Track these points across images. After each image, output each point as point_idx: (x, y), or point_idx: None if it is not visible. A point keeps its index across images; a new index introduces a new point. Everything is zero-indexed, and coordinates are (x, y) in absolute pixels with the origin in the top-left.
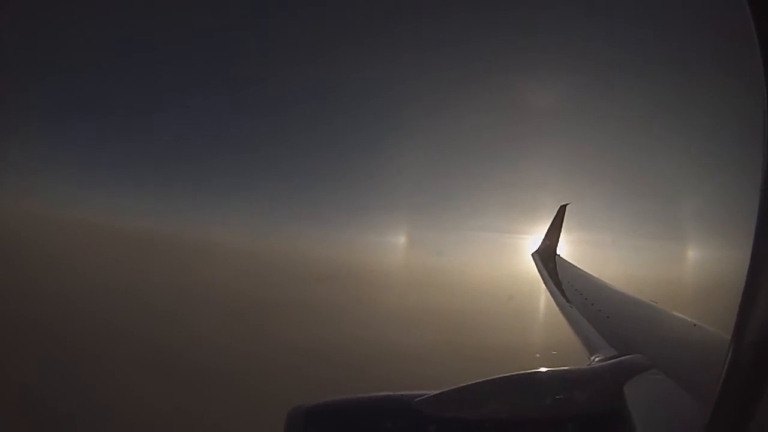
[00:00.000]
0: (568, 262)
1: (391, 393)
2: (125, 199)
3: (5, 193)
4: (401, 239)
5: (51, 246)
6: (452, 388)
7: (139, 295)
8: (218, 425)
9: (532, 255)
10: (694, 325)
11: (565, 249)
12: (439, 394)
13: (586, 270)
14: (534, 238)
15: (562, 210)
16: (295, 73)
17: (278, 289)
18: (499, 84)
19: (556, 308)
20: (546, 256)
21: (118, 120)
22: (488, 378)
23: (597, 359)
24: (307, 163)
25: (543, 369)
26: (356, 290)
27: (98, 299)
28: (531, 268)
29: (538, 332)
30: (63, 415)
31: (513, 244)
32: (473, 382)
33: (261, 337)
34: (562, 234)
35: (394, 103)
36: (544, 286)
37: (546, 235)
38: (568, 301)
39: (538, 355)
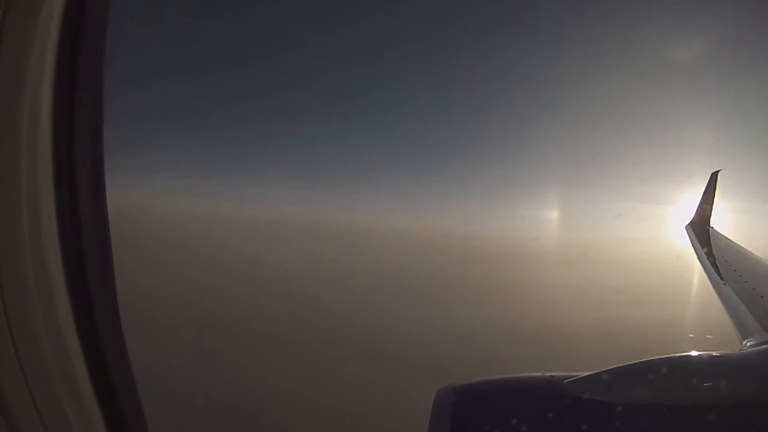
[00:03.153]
0: (722, 235)
1: (539, 374)
2: (279, 190)
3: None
4: (553, 213)
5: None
6: (602, 370)
7: (317, 285)
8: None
9: (686, 227)
10: None
11: (719, 220)
12: (589, 376)
13: (740, 243)
14: (687, 208)
15: (714, 177)
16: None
17: (443, 269)
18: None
19: (710, 285)
20: (699, 229)
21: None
22: (636, 361)
23: (749, 344)
24: (456, 139)
25: (694, 353)
26: (512, 267)
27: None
28: (684, 241)
29: (693, 311)
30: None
31: (666, 215)
32: (623, 364)
33: (437, 317)
34: (715, 203)
35: (546, 76)
36: (697, 261)
37: (698, 205)
38: (721, 278)
39: (692, 335)
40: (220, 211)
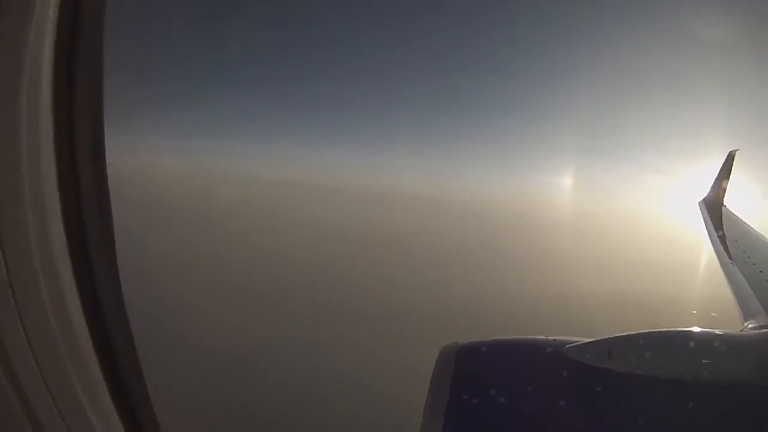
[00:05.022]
0: (736, 216)
1: (542, 337)
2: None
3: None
4: (567, 180)
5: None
6: (603, 337)
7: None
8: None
9: (699, 204)
10: None
11: (733, 200)
12: (590, 342)
13: (753, 226)
14: (702, 184)
15: (731, 157)
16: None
17: (453, 236)
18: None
19: (718, 264)
20: (712, 207)
21: None
22: (640, 331)
23: (751, 326)
24: (474, 104)
25: (696, 329)
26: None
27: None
28: (696, 216)
29: (699, 287)
30: None
31: (679, 187)
32: (625, 333)
33: (446, 283)
34: (730, 183)
35: (572, 43)
36: (708, 238)
37: (713, 183)
38: (730, 257)
39: (695, 312)
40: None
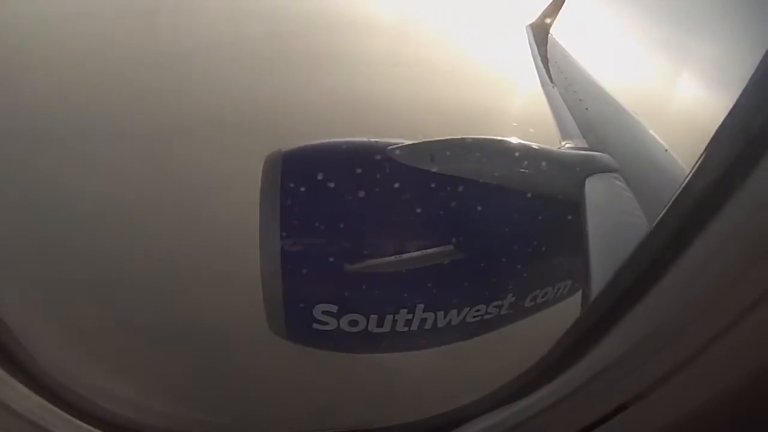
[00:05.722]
0: (561, 45)
1: (366, 139)
2: None
3: None
4: None
5: None
6: (425, 140)
7: None
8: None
9: (527, 26)
10: (666, 150)
11: (563, 29)
12: (412, 144)
13: (576, 60)
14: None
15: None
16: None
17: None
18: None
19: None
20: (539, 31)
21: None
22: (462, 136)
23: (567, 145)
24: None
25: (514, 139)
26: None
27: None
28: (523, 36)
29: (519, 101)
30: None
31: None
32: (447, 138)
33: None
34: (559, 14)
35: None
36: (532, 59)
37: (545, 10)
38: (551, 81)
39: (515, 124)
40: None
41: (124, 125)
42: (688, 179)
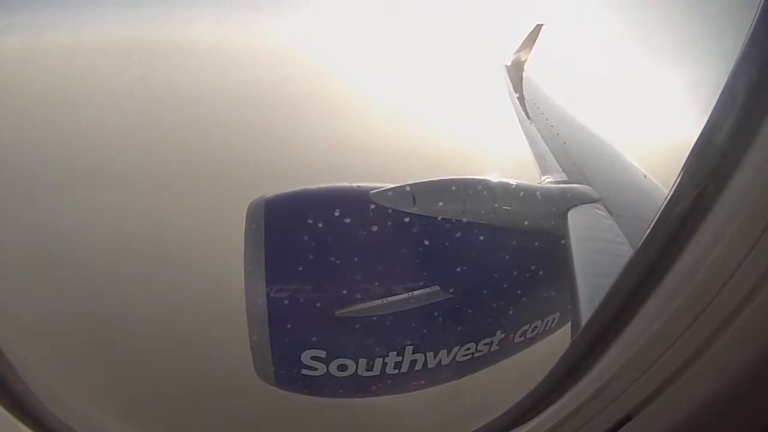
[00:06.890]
0: (535, 82)
1: (347, 184)
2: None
3: None
4: None
5: None
6: (406, 183)
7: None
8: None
9: (505, 66)
10: (645, 176)
11: (533, 69)
12: (394, 188)
13: (551, 95)
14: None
15: (537, 29)
16: None
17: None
18: None
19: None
20: (514, 71)
21: None
22: (441, 178)
23: (548, 180)
24: None
25: (495, 177)
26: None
27: None
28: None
29: (497, 141)
30: None
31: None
32: (426, 180)
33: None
34: (532, 53)
35: None
36: (508, 98)
37: (517, 50)
38: (528, 117)
39: (494, 162)
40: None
41: (114, 172)
42: (665, 202)
